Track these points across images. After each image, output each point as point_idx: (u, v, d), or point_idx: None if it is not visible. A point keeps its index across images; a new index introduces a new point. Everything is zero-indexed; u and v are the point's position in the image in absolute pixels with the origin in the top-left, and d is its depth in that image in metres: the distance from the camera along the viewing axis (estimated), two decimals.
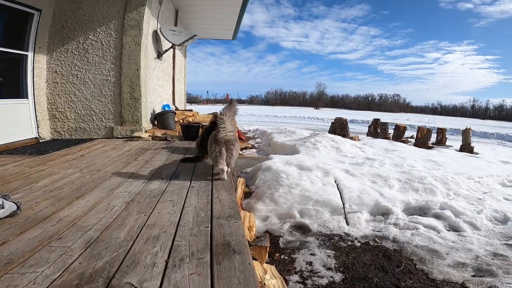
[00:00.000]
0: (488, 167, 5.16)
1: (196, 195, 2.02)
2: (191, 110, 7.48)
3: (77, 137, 5.00)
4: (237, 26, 8.16)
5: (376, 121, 9.09)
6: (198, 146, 3.46)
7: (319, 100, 61.67)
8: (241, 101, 70.63)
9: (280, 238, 2.27)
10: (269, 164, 3.38)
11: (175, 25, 6.78)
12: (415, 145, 6.83)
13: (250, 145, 6.77)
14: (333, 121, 7.38)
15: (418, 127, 7.35)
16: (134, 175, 2.55)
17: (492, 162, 5.69)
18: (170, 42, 5.52)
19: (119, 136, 4.99)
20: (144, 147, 4.08)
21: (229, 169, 2.50)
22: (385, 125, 8.49)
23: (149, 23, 5.07)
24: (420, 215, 2.86)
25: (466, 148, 6.94)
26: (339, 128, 6.98)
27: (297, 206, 2.61)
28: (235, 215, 1.66)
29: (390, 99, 69.81)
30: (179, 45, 5.57)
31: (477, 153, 6.64)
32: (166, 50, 5.83)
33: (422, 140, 6.86)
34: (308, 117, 22.74)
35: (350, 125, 21.13)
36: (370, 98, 71.66)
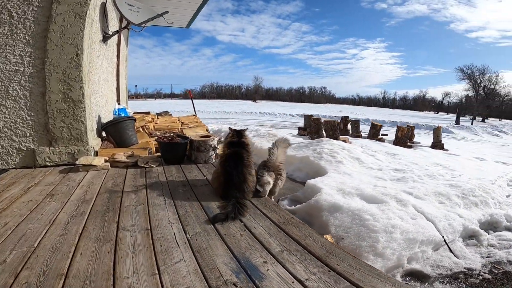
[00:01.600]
0: (480, 167, 5.28)
1: None
2: (148, 113, 5.70)
3: None
4: (198, 11, 6.58)
5: (345, 118, 8.93)
6: (222, 184, 2.16)
7: (256, 93, 62.46)
8: (174, 95, 65.92)
9: None
10: (333, 201, 2.36)
11: None
12: (396, 143, 6.78)
13: None
14: (323, 120, 6.71)
15: (397, 126, 7.39)
16: None
17: (472, 160, 5.95)
18: (127, 20, 3.74)
19: (48, 164, 3.12)
20: (109, 185, 2.47)
21: (273, 197, 2.40)
22: (357, 123, 8.37)
23: None
24: (492, 230, 2.84)
25: (438, 145, 7.29)
26: (331, 130, 6.39)
27: (405, 253, 2.06)
28: None
29: (318, 91, 75.92)
30: (138, 25, 3.84)
31: (447, 150, 7.00)
32: (117, 32, 4.01)
33: (402, 139, 6.89)
34: (259, 112, 22.11)
35: (300, 120, 21.45)
36: (301, 90, 76.47)
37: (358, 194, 2.65)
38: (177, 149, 3.17)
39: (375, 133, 7.51)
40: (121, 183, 2.54)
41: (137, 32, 4.25)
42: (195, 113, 7.67)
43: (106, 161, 3.12)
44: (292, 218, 1.87)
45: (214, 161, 3.28)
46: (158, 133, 4.95)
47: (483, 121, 29.87)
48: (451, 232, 2.47)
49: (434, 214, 2.57)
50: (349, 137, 6.89)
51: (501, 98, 35.42)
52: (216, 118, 15.70)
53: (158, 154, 3.63)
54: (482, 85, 34.06)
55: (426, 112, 55.61)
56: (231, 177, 2.10)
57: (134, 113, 5.38)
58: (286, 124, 15.75)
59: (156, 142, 3.45)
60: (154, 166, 3.08)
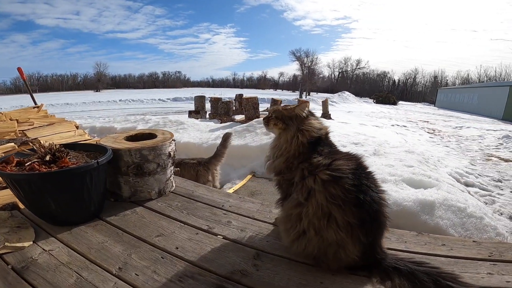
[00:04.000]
0: (376, 131, 6.18)
1: None
2: None
3: None
4: None
5: (240, 96, 8.35)
6: (361, 241, 0.94)
7: (99, 82, 50.99)
8: None
9: None
10: (416, 198, 1.86)
11: None
12: None
13: None
14: (243, 100, 5.64)
15: (298, 100, 7.51)
16: None
17: (362, 126, 6.94)
18: None
19: None
20: None
21: None
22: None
23: None
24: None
25: (327, 116, 8.10)
26: (252, 109, 5.47)
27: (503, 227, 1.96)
28: None
29: (173, 76, 72.46)
30: None
31: (333, 119, 7.94)
32: None
33: None
34: (119, 100, 17.49)
35: (174, 104, 18.97)
36: (154, 76, 70.32)
37: (401, 181, 2.15)
38: (83, 183, 1.26)
39: None
40: None
41: None
42: (36, 103, 4.50)
43: None
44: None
45: (174, 187, 1.63)
46: None
47: (308, 94, 38.58)
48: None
49: (456, 184, 2.50)
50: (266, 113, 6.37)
51: (318, 76, 47.21)
52: (57, 113, 10.85)
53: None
54: (307, 66, 43.73)
55: (267, 89, 65.67)
56: (378, 223, 0.88)
57: None
58: (160, 110, 13.38)
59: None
60: (28, 243, 1.09)
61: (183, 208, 1.37)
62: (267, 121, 1.12)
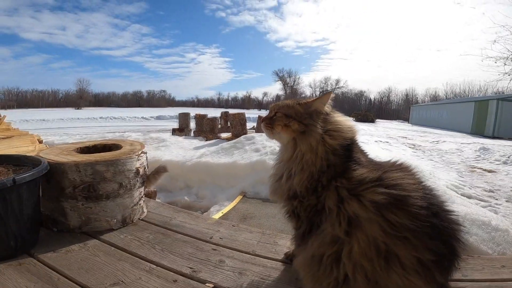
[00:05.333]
0: (364, 147, 6.13)
1: None
2: None
3: None
4: None
5: (226, 114, 8.15)
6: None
7: (81, 99, 49.58)
8: None
9: None
10: None
11: None
12: None
13: None
14: (229, 116, 5.35)
15: None
16: None
17: None
18: None
19: None
20: None
21: None
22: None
23: None
24: None
25: None
26: (239, 125, 5.21)
27: None
28: None
29: (157, 95, 72.16)
30: None
31: None
32: None
33: None
34: (100, 118, 16.66)
35: (158, 122, 18.38)
36: (138, 94, 69.65)
37: None
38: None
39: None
40: None
41: None
42: (0, 115, 3.94)
43: None
44: None
45: (145, 214, 1.27)
46: None
47: None
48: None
49: (461, 197, 2.34)
50: (253, 131, 6.12)
51: (299, 96, 48.74)
52: (30, 129, 9.97)
53: None
54: (290, 85, 45.09)
55: (251, 109, 66.63)
56: (456, 255, 0.62)
57: None
58: (143, 128, 12.82)
59: None
60: None
61: (155, 242, 1.01)
62: (269, 123, 0.75)
